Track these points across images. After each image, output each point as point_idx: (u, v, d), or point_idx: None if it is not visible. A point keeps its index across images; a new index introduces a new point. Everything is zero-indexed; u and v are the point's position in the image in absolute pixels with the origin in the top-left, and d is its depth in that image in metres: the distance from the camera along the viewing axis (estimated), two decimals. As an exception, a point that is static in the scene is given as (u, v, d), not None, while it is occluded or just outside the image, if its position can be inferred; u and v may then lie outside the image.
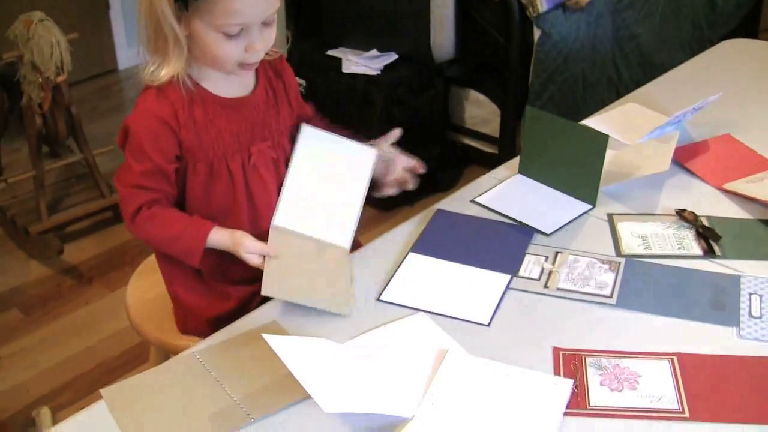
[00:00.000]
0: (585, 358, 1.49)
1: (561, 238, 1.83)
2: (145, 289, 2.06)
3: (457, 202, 1.95)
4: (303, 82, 3.64)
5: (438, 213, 1.92)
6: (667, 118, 2.23)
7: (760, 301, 1.62)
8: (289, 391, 1.39)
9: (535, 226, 1.86)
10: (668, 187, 2.01)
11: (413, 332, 1.56)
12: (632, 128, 2.26)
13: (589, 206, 1.93)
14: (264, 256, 1.68)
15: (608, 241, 1.81)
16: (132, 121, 1.71)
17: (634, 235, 1.82)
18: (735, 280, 1.68)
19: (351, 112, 3.59)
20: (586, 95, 3.74)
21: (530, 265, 1.74)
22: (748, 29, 5.08)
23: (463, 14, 3.64)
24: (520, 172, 2.07)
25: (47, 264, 3.39)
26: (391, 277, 1.72)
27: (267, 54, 1.74)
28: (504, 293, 1.66)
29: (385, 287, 1.69)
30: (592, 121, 2.30)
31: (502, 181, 2.05)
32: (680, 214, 1.87)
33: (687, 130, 2.25)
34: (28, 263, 3.41)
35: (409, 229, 1.88)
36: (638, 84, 2.81)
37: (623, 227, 1.85)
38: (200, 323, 1.87)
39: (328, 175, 1.80)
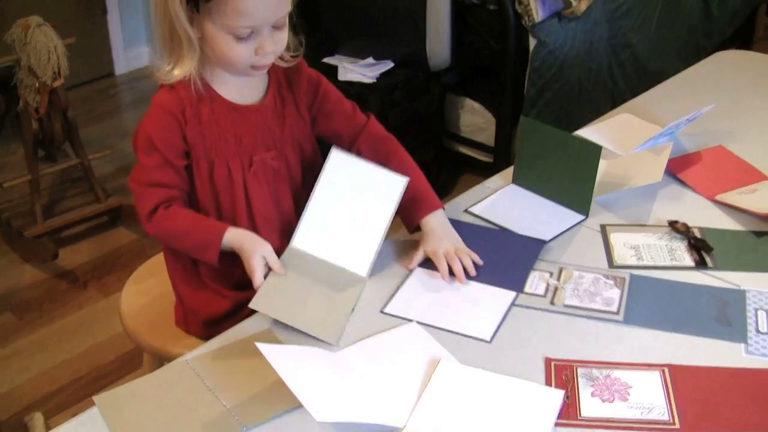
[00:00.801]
0: (577, 368, 1.49)
1: (554, 248, 1.84)
2: (140, 295, 2.07)
3: (450, 211, 1.96)
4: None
5: None
6: (661, 128, 2.24)
7: (767, 316, 1.62)
8: (281, 399, 1.40)
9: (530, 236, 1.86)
10: (661, 198, 2.02)
11: (406, 341, 1.57)
12: (626, 138, 2.27)
13: (582, 217, 1.94)
14: (267, 273, 1.68)
15: (601, 252, 1.82)
16: (144, 117, 1.74)
17: (627, 246, 1.83)
18: (740, 295, 1.68)
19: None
20: (581, 103, 3.75)
21: (535, 281, 1.73)
22: (743, 38, 5.11)
23: (458, 22, 3.65)
24: (513, 181, 2.07)
25: (42, 268, 3.39)
26: (397, 290, 1.71)
27: (284, 60, 1.76)
28: (508, 310, 1.65)
29: (389, 300, 1.68)
30: (586, 131, 2.31)
31: (496, 191, 2.05)
32: (672, 225, 1.88)
33: (680, 140, 2.26)
34: (22, 266, 3.42)
35: (415, 240, 1.85)
36: (634, 92, 2.82)
37: (616, 238, 1.86)
38: (198, 324, 1.89)
39: (353, 201, 1.77)
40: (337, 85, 1.93)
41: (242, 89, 1.77)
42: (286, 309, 1.62)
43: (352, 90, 3.51)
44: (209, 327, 1.84)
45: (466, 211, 1.97)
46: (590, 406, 1.42)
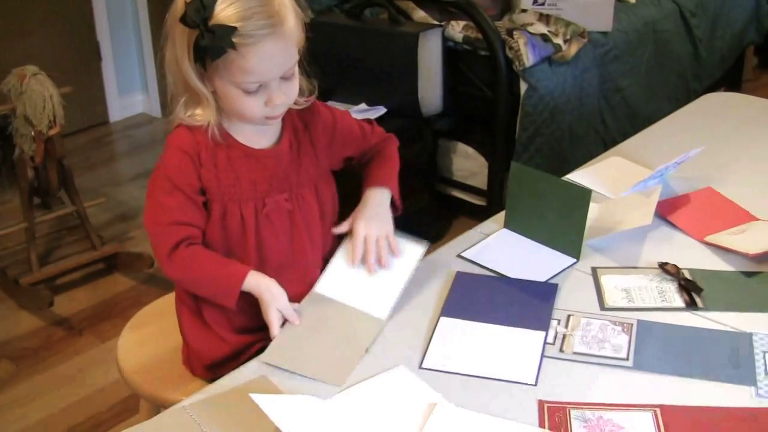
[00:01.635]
0: (570, 410, 1.51)
1: (546, 291, 1.85)
2: (137, 342, 2.07)
3: (443, 256, 1.98)
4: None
5: (458, 275, 1.91)
6: (651, 171, 2.27)
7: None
8: (277, 445, 1.41)
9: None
10: (651, 240, 2.04)
11: (397, 385, 1.58)
12: (616, 182, 2.29)
13: (573, 260, 1.96)
14: (282, 324, 1.70)
15: (592, 294, 1.84)
16: (161, 159, 1.76)
17: (618, 288, 1.85)
18: (747, 338, 1.68)
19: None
20: (573, 147, 3.78)
21: None
22: (732, 79, 5.17)
23: (450, 68, 3.69)
24: (505, 226, 2.10)
25: (38, 315, 3.39)
26: (428, 343, 1.70)
27: (296, 104, 1.79)
28: (543, 349, 1.66)
29: (424, 355, 1.67)
30: (577, 175, 2.34)
31: (489, 236, 2.07)
32: (663, 266, 1.90)
33: (669, 183, 2.29)
34: (18, 314, 3.42)
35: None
36: (625, 136, 2.85)
37: (607, 280, 1.88)
38: (201, 366, 1.90)
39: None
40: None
41: (258, 134, 1.79)
42: (296, 359, 1.64)
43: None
44: (212, 369, 1.85)
45: (459, 256, 1.99)
46: (583, 447, 1.43)
